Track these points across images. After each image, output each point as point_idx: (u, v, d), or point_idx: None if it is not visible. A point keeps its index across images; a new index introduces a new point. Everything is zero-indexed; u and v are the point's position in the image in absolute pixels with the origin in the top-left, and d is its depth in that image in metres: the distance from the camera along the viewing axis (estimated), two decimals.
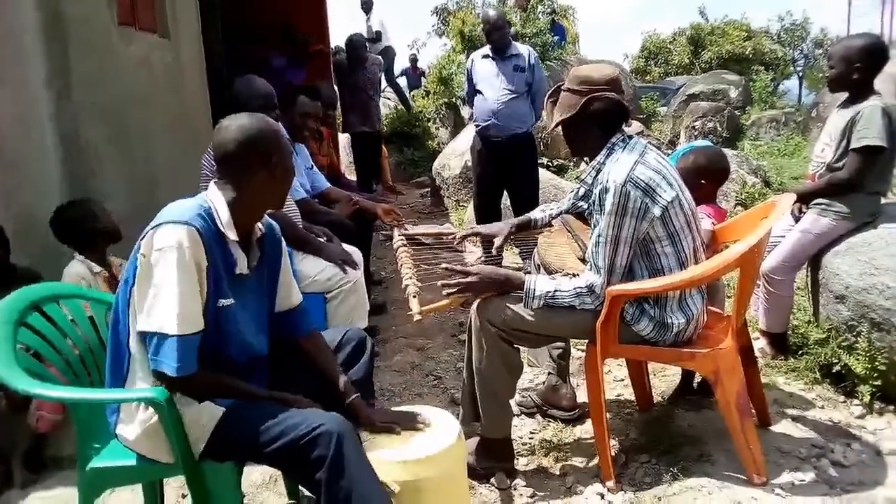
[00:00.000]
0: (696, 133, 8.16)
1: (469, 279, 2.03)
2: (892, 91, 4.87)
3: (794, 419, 2.42)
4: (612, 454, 2.15)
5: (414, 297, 2.08)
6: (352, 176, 6.67)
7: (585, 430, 2.43)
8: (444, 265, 2.09)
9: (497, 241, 2.46)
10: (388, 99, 10.54)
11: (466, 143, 6.89)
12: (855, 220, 2.64)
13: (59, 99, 2.90)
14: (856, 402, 2.50)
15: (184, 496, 2.12)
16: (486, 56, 4.31)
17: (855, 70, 2.62)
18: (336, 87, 6.24)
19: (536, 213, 2.55)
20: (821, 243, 2.69)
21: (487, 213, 4.31)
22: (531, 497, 2.09)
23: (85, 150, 3.04)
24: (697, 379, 2.60)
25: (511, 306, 2.04)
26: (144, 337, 1.50)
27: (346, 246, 2.97)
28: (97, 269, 2.47)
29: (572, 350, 2.70)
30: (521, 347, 2.16)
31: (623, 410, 2.60)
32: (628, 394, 2.67)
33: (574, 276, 2.07)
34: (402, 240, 2.57)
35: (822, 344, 2.64)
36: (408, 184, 8.27)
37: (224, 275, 1.57)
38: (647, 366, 2.58)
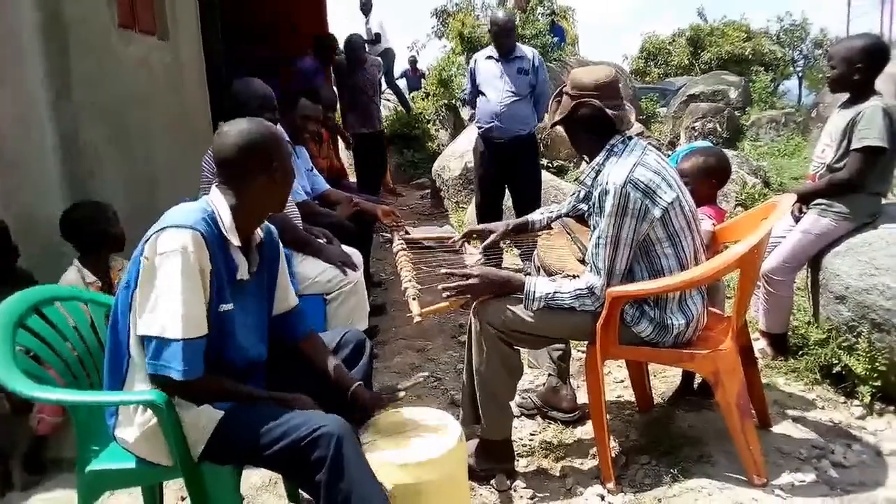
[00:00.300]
0: (696, 134, 8.16)
1: (469, 281, 2.03)
2: (892, 91, 4.86)
3: (795, 420, 2.42)
4: (613, 455, 2.15)
5: (414, 298, 2.08)
6: (351, 177, 6.66)
7: (585, 431, 2.43)
8: (443, 270, 2.09)
9: (492, 237, 2.46)
10: (388, 101, 10.55)
11: (466, 144, 6.90)
12: (855, 220, 2.64)
13: (59, 99, 2.90)
14: (856, 402, 2.49)
15: (183, 499, 2.12)
16: (489, 57, 4.29)
17: (856, 70, 2.61)
18: (335, 89, 6.24)
19: (535, 216, 2.55)
20: (821, 244, 2.69)
21: (489, 213, 4.30)
22: (531, 498, 2.09)
23: (84, 151, 3.04)
24: (698, 380, 2.59)
25: (511, 308, 2.04)
26: (144, 342, 1.49)
27: (346, 247, 2.97)
28: (91, 278, 2.46)
29: (572, 351, 2.70)
30: (520, 349, 2.15)
31: (623, 412, 2.59)
32: (628, 395, 2.66)
33: (574, 277, 2.07)
34: (401, 243, 2.57)
35: (822, 344, 2.64)
36: (408, 185, 8.27)
37: (226, 280, 1.56)
38: (648, 367, 2.58)
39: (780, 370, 2.78)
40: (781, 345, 2.86)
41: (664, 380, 2.79)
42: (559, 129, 2.14)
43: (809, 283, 2.86)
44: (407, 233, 2.83)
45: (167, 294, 1.45)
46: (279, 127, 3.13)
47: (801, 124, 8.66)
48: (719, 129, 8.25)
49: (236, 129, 1.60)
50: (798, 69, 20.15)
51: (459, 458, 1.75)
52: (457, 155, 6.80)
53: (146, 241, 1.50)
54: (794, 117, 8.99)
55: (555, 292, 2.00)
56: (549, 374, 2.56)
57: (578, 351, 2.88)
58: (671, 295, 2.01)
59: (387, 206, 3.39)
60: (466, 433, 2.01)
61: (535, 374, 2.84)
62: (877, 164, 2.58)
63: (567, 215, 2.50)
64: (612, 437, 2.26)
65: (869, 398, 2.44)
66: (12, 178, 2.73)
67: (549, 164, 6.85)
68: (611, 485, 2.06)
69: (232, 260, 1.58)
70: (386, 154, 7.13)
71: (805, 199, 2.77)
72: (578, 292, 1.99)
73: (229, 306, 1.57)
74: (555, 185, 5.41)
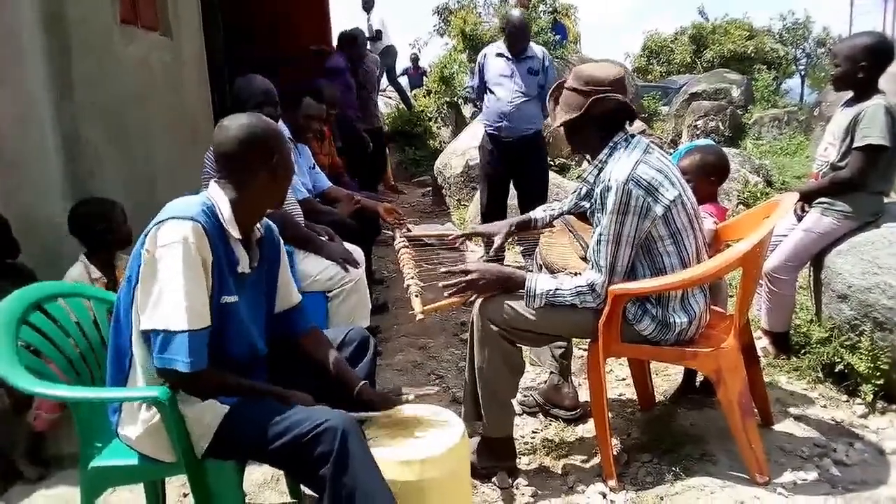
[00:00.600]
0: (698, 132, 8.14)
1: (470, 277, 2.03)
2: (895, 90, 4.85)
3: (797, 418, 2.42)
4: (614, 453, 2.15)
5: (416, 296, 2.08)
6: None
7: (587, 429, 2.43)
8: (443, 270, 2.07)
9: (497, 241, 2.46)
10: (390, 98, 10.55)
11: (468, 142, 6.89)
12: (858, 219, 2.64)
13: (60, 98, 2.90)
14: (858, 401, 2.49)
15: (185, 495, 2.12)
16: (500, 54, 4.25)
17: (860, 69, 2.61)
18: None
19: (537, 213, 2.55)
20: (823, 242, 2.68)
21: (494, 211, 4.28)
22: (533, 496, 2.09)
23: (85, 150, 3.04)
24: (699, 378, 2.59)
25: (513, 305, 2.04)
26: (148, 336, 1.49)
27: (347, 245, 2.97)
28: (96, 274, 2.47)
29: (574, 349, 2.70)
30: (522, 347, 2.16)
31: (625, 410, 2.60)
32: (630, 393, 2.66)
33: (576, 275, 2.07)
34: (403, 240, 2.57)
35: (824, 343, 2.64)
36: (409, 183, 8.27)
37: (227, 271, 1.56)
38: (649, 365, 2.58)
39: (783, 369, 2.78)
40: (783, 343, 2.86)
41: (666, 378, 2.79)
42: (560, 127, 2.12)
43: (812, 282, 2.86)
44: (409, 230, 2.83)
45: (170, 286, 1.44)
46: (281, 123, 3.16)
47: (803, 123, 8.65)
48: (721, 128, 8.23)
49: (236, 123, 1.60)
50: (800, 68, 20.13)
51: (462, 455, 1.75)
52: (458, 152, 6.79)
53: (146, 235, 1.51)
54: (797, 116, 8.97)
55: (556, 289, 2.00)
56: (551, 372, 2.56)
57: (580, 349, 2.88)
58: (673, 293, 2.01)
59: (388, 203, 3.39)
60: (468, 431, 2.01)
61: (536, 372, 2.84)
62: (879, 163, 2.58)
63: (569, 213, 2.50)
64: (613, 435, 2.27)
65: (871, 397, 2.44)
66: (13, 177, 2.73)
67: (552, 163, 6.84)
68: (612, 483, 2.06)
69: (232, 252, 1.58)
70: (386, 151, 7.13)
71: (807, 198, 2.76)
72: (579, 289, 1.99)
73: (233, 298, 1.57)
74: (557, 183, 5.41)
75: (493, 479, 2.14)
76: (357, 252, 2.98)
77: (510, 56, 4.21)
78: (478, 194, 6.07)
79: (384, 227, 3.45)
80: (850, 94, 2.73)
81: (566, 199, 2.55)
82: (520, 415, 2.54)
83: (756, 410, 2.24)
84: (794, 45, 19.67)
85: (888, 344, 2.41)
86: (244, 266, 1.61)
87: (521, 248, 4.34)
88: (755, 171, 6.00)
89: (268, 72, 3.09)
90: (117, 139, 3.34)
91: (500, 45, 4.32)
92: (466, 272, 2.04)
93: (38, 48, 2.80)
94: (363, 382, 1.73)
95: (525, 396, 2.60)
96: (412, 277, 2.19)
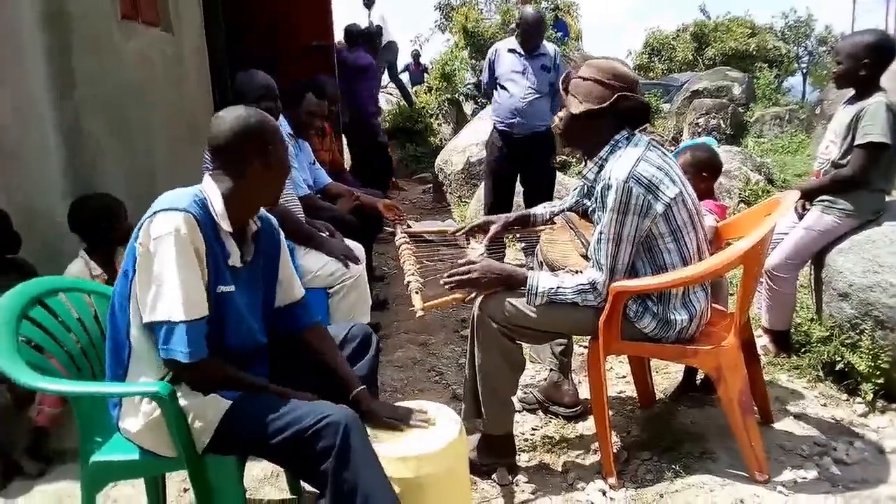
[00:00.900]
0: (699, 130, 8.12)
1: (472, 275, 2.03)
2: None
3: (797, 417, 2.42)
4: (614, 451, 2.15)
5: (416, 292, 2.07)
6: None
7: (587, 426, 2.43)
8: (444, 275, 2.07)
9: (493, 228, 2.45)
10: (391, 95, 10.54)
11: (469, 139, 6.89)
12: (859, 217, 2.63)
13: (61, 94, 2.89)
14: (858, 400, 2.49)
15: (186, 490, 2.12)
16: (512, 50, 4.23)
17: (862, 66, 2.60)
18: None
19: (538, 210, 2.55)
20: (824, 241, 2.68)
21: (498, 207, 4.24)
22: (532, 493, 2.09)
23: (86, 146, 3.04)
24: (700, 376, 2.59)
25: (513, 303, 2.04)
26: (153, 329, 1.50)
27: (348, 241, 2.97)
28: (97, 271, 2.47)
29: (574, 347, 2.70)
30: (523, 344, 2.15)
31: (625, 407, 2.60)
32: (630, 390, 2.66)
33: (577, 273, 2.07)
34: (404, 236, 2.57)
35: (824, 342, 2.64)
36: (410, 180, 8.27)
37: (221, 262, 1.56)
38: (650, 363, 2.58)
39: (783, 367, 2.78)
40: (784, 342, 2.86)
41: (666, 375, 2.79)
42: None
43: (812, 280, 2.86)
44: (409, 227, 2.83)
45: (166, 278, 1.45)
46: (282, 119, 3.15)
47: (804, 121, 8.63)
48: (723, 126, 8.21)
49: (231, 115, 1.60)
50: (802, 66, 20.10)
51: (460, 451, 1.75)
52: (459, 149, 6.79)
53: (139, 228, 1.51)
54: (798, 114, 8.95)
55: (557, 287, 1.99)
56: (551, 370, 2.56)
57: (580, 346, 2.88)
58: (674, 290, 2.01)
59: (388, 200, 3.39)
60: (468, 427, 2.01)
61: (536, 369, 2.84)
62: (881, 161, 2.57)
63: (570, 210, 2.50)
64: (613, 433, 2.26)
65: (871, 396, 2.44)
66: (13, 173, 2.73)
67: (553, 160, 6.83)
68: (612, 480, 2.06)
69: (223, 246, 1.58)
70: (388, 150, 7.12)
71: (809, 196, 2.76)
72: (581, 287, 1.99)
73: (229, 288, 1.57)
74: (558, 181, 5.40)
75: (493, 476, 2.15)
76: (357, 248, 2.98)
77: (522, 52, 4.19)
78: (479, 191, 6.07)
79: (384, 223, 3.46)
80: (851, 92, 2.73)
81: (567, 197, 2.55)
82: (520, 412, 2.54)
83: (756, 409, 2.24)
84: (796, 43, 19.64)
85: (889, 343, 2.41)
86: (235, 260, 1.60)
87: (523, 245, 4.34)
88: (756, 169, 5.99)
89: (268, 68, 3.09)
90: (118, 135, 3.34)
91: (511, 41, 4.29)
92: (469, 270, 2.04)
93: (38, 44, 2.79)
94: (360, 388, 1.72)
95: (525, 393, 2.60)
96: (412, 274, 2.19)
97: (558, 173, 5.73)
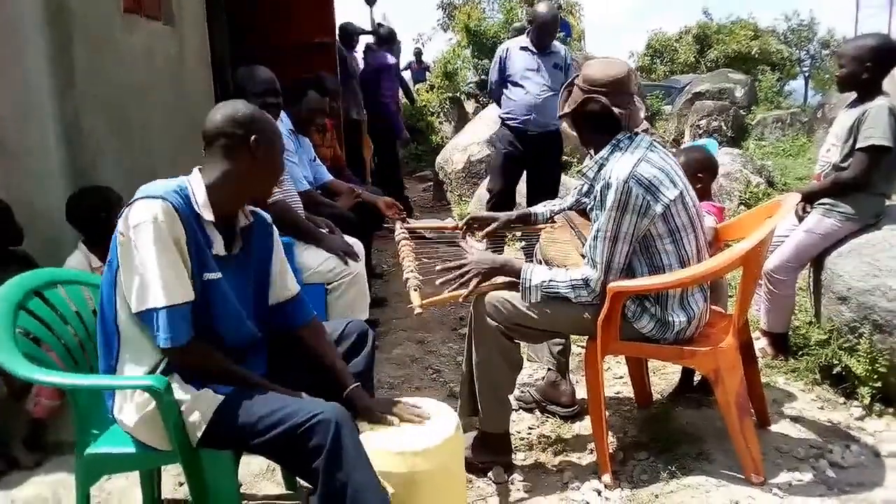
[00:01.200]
0: (700, 132, 8.12)
1: (465, 269, 2.03)
2: None
3: (794, 419, 2.42)
4: (610, 451, 2.15)
5: (415, 290, 2.07)
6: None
7: (584, 426, 2.43)
8: (439, 267, 2.06)
9: (493, 225, 2.45)
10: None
11: (470, 137, 6.89)
12: (859, 220, 2.63)
13: (62, 88, 2.89)
14: (855, 403, 2.49)
15: (181, 484, 2.12)
16: (524, 48, 4.22)
17: (865, 70, 2.60)
18: None
19: (538, 209, 2.55)
20: (824, 244, 2.68)
21: (502, 203, 4.23)
22: (528, 492, 2.09)
23: (87, 141, 3.03)
24: (697, 377, 2.59)
25: (512, 301, 2.04)
26: (143, 319, 1.50)
27: (347, 238, 2.97)
28: (97, 263, 2.46)
29: (572, 346, 2.70)
30: (521, 343, 2.15)
31: (622, 408, 2.60)
32: (627, 391, 2.66)
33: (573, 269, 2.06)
34: (403, 233, 2.56)
35: (822, 345, 2.63)
36: (411, 178, 8.27)
37: (205, 250, 1.56)
38: (647, 363, 2.58)
39: (781, 369, 2.78)
40: (782, 344, 2.86)
41: (663, 376, 2.79)
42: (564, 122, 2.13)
43: (812, 283, 2.86)
44: (408, 223, 2.82)
45: (147, 265, 1.45)
46: (283, 115, 3.15)
47: (806, 125, 8.63)
48: (724, 128, 8.22)
49: (230, 106, 1.62)
50: (805, 69, 20.11)
51: (456, 448, 1.75)
52: (460, 148, 6.79)
53: (119, 217, 1.52)
54: (800, 117, 8.95)
55: (550, 280, 1.99)
56: (549, 369, 2.56)
57: (578, 346, 2.88)
58: (673, 291, 2.01)
59: (388, 197, 3.38)
60: (464, 425, 2.01)
61: (534, 368, 2.84)
62: (882, 164, 2.57)
63: (570, 209, 2.50)
64: (610, 433, 2.27)
65: (868, 399, 2.44)
66: (14, 167, 2.72)
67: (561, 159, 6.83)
68: (608, 480, 2.06)
69: (206, 234, 1.57)
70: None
71: (809, 199, 2.76)
72: (574, 283, 1.98)
73: (215, 275, 1.57)
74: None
75: (489, 474, 2.15)
76: (357, 245, 2.98)
77: (535, 50, 4.18)
78: (480, 189, 6.06)
79: (384, 221, 3.45)
80: (853, 95, 2.73)
81: (567, 196, 2.55)
82: (516, 410, 2.54)
83: (753, 411, 2.24)
84: (799, 47, 19.66)
85: (887, 346, 2.41)
86: (219, 249, 1.59)
87: (523, 245, 4.34)
88: (757, 171, 5.99)
89: (270, 65, 3.08)
90: (119, 129, 3.33)
91: (523, 40, 4.28)
92: (462, 266, 2.04)
93: (40, 38, 2.79)
94: (355, 385, 1.72)
95: (522, 392, 2.60)
96: (411, 271, 2.19)
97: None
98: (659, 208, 1.92)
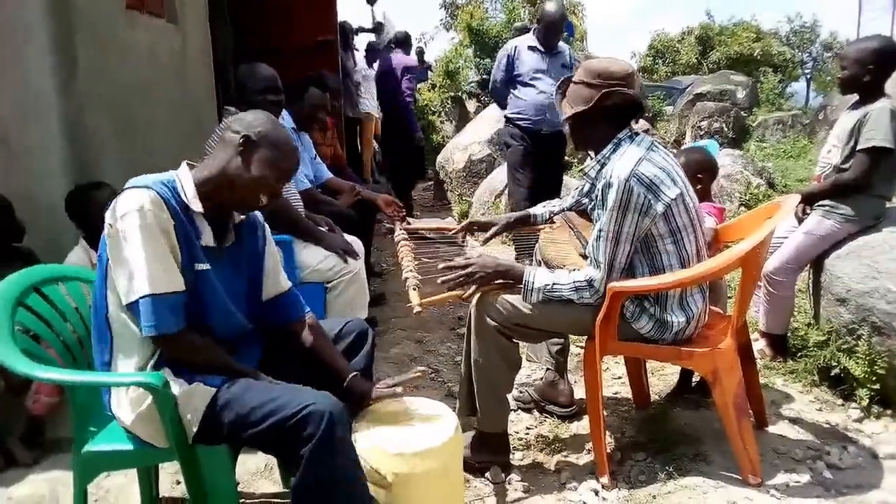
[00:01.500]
0: (701, 133, 8.12)
1: (468, 271, 2.03)
2: None
3: (792, 421, 2.42)
4: (608, 451, 2.15)
5: (414, 289, 2.07)
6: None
7: (582, 426, 2.43)
8: (442, 265, 2.06)
9: (493, 230, 2.45)
10: None
11: (471, 137, 6.89)
12: (859, 222, 2.63)
13: (65, 85, 2.89)
14: (854, 405, 2.49)
15: (179, 482, 2.12)
16: (532, 48, 4.21)
17: (867, 72, 2.60)
18: None
19: (537, 210, 2.55)
20: (824, 245, 2.68)
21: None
22: (525, 492, 2.09)
23: (89, 138, 3.03)
24: (696, 378, 2.59)
25: (511, 301, 2.04)
26: (132, 310, 1.50)
27: (347, 236, 2.97)
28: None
29: (571, 346, 2.70)
30: (519, 343, 2.15)
31: (620, 408, 2.60)
32: (626, 391, 2.66)
33: (575, 270, 2.06)
34: (403, 233, 2.56)
35: (821, 346, 2.63)
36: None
37: (194, 240, 1.56)
38: (645, 364, 2.58)
39: (779, 371, 2.78)
40: (781, 346, 2.86)
41: (662, 377, 2.79)
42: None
43: (811, 285, 2.86)
44: (408, 223, 2.83)
45: (133, 255, 1.45)
46: (285, 113, 3.15)
47: (807, 127, 8.63)
48: (725, 129, 8.22)
49: (252, 114, 1.65)
50: (806, 71, 20.08)
51: (455, 448, 1.75)
52: (461, 147, 6.79)
53: (107, 209, 1.51)
54: (801, 119, 8.95)
55: (553, 284, 1.99)
56: (547, 369, 2.56)
57: (577, 346, 2.88)
58: (672, 292, 2.01)
59: (389, 196, 3.39)
60: (463, 425, 2.01)
61: (532, 368, 2.84)
62: (883, 166, 2.57)
63: (570, 209, 2.50)
64: (608, 433, 2.27)
65: (867, 401, 2.44)
66: (16, 165, 2.72)
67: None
68: (605, 480, 2.06)
69: (195, 225, 1.57)
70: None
71: (809, 200, 2.76)
72: (577, 285, 1.98)
73: (205, 266, 1.56)
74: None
75: (487, 474, 2.15)
76: (357, 244, 2.98)
77: (543, 50, 4.18)
78: (479, 189, 6.07)
79: (383, 219, 3.45)
80: (855, 98, 2.73)
81: (567, 196, 2.55)
82: (515, 410, 2.54)
83: (751, 412, 2.24)
84: (801, 49, 19.64)
85: (885, 348, 2.41)
86: (208, 240, 1.59)
87: (516, 246, 4.33)
88: (758, 173, 5.99)
89: (272, 63, 3.08)
90: (122, 127, 3.33)
91: (530, 39, 4.27)
92: (465, 266, 2.04)
93: (42, 34, 2.79)
94: (354, 374, 1.72)
95: (521, 392, 2.60)
96: (411, 270, 2.19)
97: None
98: (660, 207, 1.92)
